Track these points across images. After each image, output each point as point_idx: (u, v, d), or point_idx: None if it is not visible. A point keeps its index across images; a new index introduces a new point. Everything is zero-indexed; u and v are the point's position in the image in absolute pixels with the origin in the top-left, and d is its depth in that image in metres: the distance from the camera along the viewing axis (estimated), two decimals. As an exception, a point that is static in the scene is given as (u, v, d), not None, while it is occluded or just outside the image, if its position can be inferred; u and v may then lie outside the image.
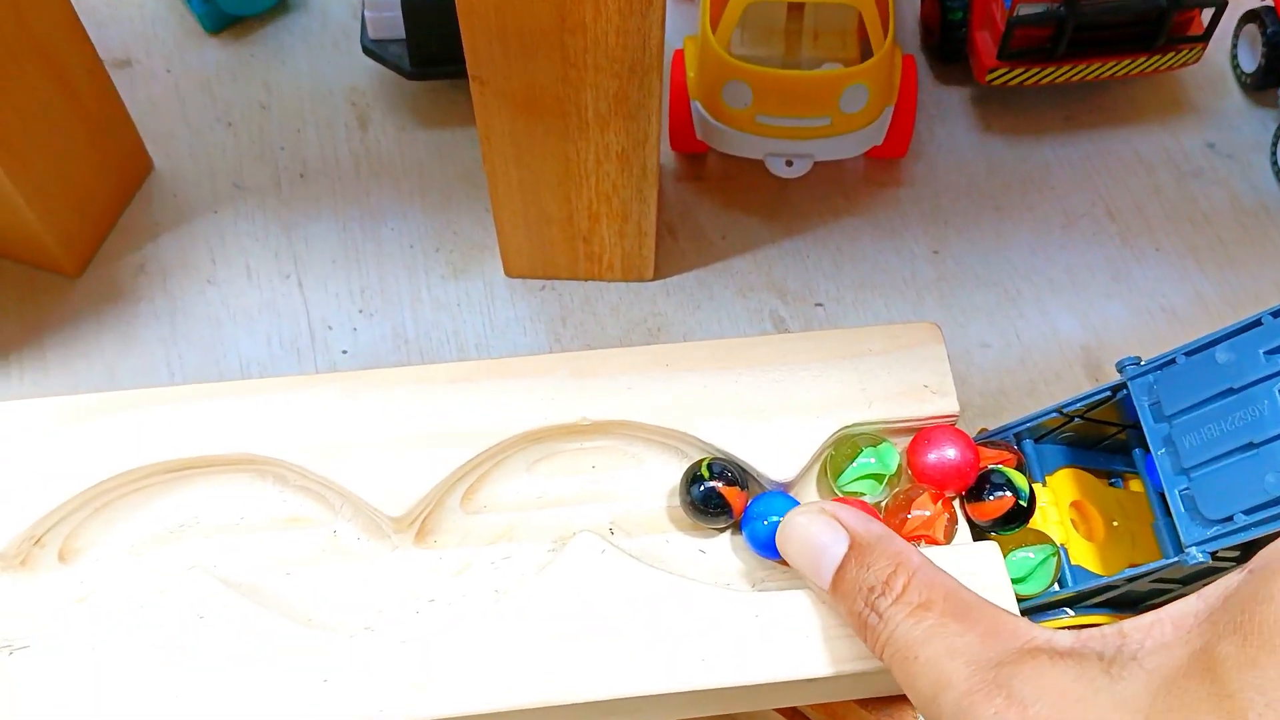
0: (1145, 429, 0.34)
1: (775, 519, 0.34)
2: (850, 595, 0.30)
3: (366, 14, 0.56)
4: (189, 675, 0.32)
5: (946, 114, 0.59)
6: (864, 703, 0.36)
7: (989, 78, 0.55)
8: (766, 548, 0.34)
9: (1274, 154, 0.56)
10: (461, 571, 0.35)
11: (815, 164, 0.53)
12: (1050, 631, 0.28)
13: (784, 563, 0.33)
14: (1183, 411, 0.33)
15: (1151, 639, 0.27)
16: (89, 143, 0.52)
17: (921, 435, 0.36)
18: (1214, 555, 0.32)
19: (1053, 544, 0.36)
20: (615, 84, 0.41)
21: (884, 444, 0.37)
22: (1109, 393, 0.36)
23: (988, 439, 0.39)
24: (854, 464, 0.36)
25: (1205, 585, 0.27)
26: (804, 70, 0.51)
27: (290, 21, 0.64)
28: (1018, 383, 0.51)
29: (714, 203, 0.57)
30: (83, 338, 0.52)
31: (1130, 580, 0.35)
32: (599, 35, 0.39)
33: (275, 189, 0.57)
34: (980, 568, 0.34)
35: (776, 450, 0.36)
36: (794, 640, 0.33)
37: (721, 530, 0.36)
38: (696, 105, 0.53)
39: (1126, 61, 0.54)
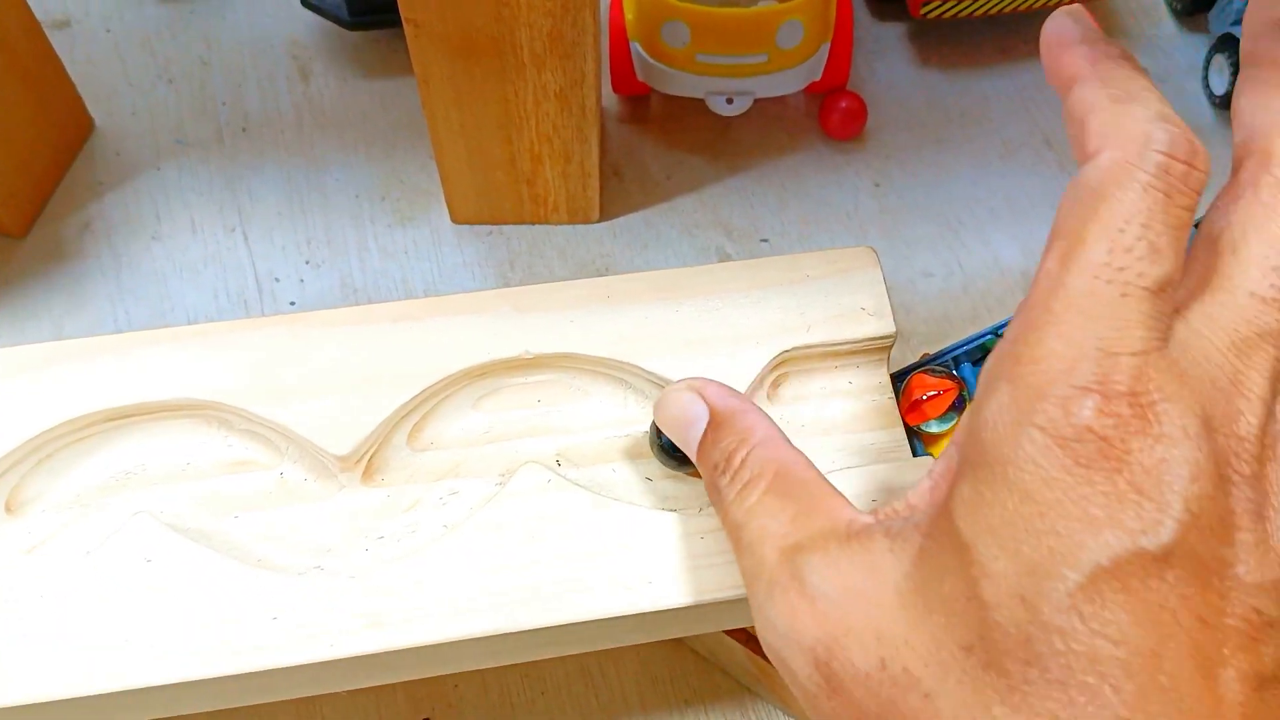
0: None
1: None
2: (705, 469, 0.30)
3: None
4: (138, 620, 0.32)
5: (885, 50, 0.60)
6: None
7: (924, 10, 0.55)
8: None
9: (1205, 77, 0.57)
10: (410, 508, 0.36)
11: (758, 102, 0.54)
12: (855, 512, 0.27)
13: None
14: None
15: (925, 502, 0.25)
16: (29, 104, 0.52)
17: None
18: None
19: None
20: (549, 22, 0.42)
21: None
22: None
23: (928, 365, 0.40)
24: None
25: None
26: (740, 8, 0.51)
27: (229, -25, 0.63)
28: (961, 310, 0.52)
29: (658, 143, 0.57)
30: (30, 297, 0.52)
31: None
32: (529, -28, 0.39)
33: (218, 143, 0.57)
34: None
35: (717, 369, 0.36)
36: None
37: (693, 474, 0.36)
38: (636, 46, 0.53)
39: (1060, -11, 0.55)
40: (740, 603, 0.33)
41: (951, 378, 0.38)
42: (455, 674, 0.44)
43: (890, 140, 0.57)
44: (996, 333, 0.38)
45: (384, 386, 0.36)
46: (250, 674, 0.32)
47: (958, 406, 0.37)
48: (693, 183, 0.56)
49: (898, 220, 0.55)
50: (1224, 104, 0.56)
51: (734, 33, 0.51)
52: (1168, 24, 0.60)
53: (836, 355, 0.38)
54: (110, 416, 0.36)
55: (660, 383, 0.37)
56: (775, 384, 0.38)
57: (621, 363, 0.37)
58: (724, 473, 0.29)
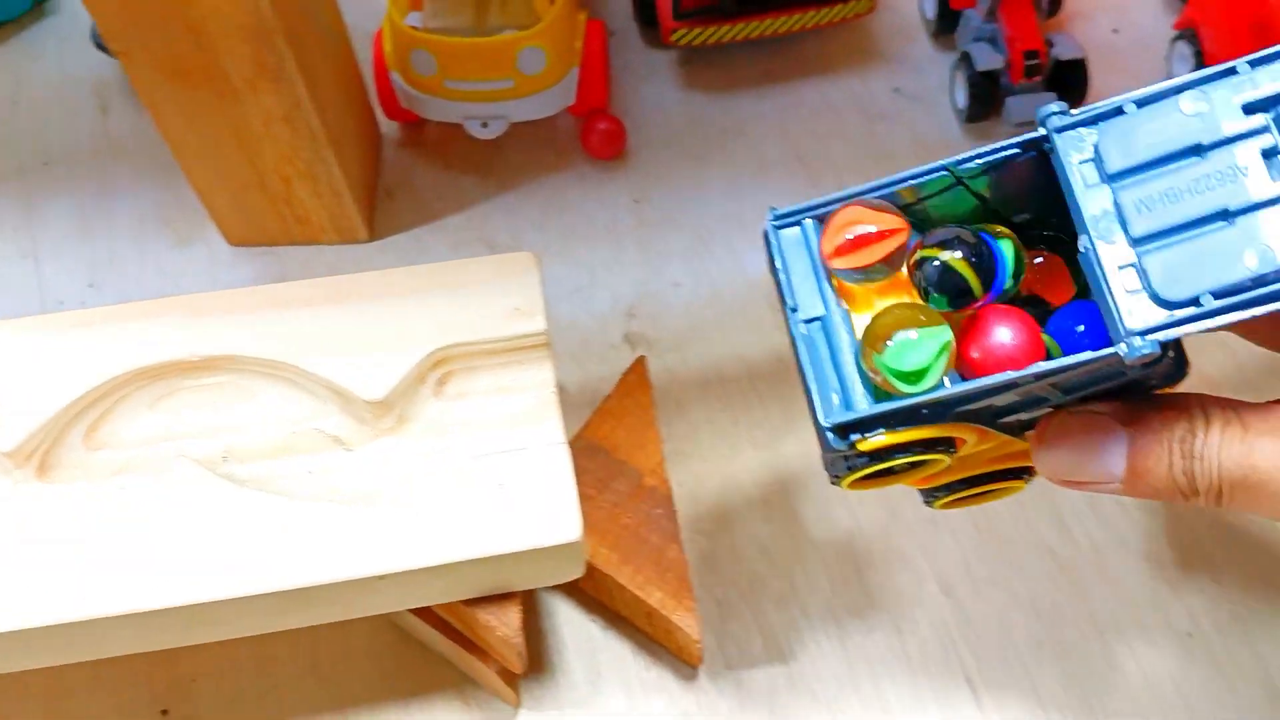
0: (1073, 193, 0.27)
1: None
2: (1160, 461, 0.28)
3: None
4: None
5: (653, 75, 0.63)
6: (471, 603, 0.40)
7: (673, 38, 0.59)
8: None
9: (951, 91, 0.60)
10: (87, 505, 0.38)
11: (526, 125, 0.57)
12: None
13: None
14: (1134, 169, 0.26)
15: None
16: None
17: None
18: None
19: (945, 324, 0.28)
20: (248, 49, 0.45)
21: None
22: (1017, 149, 0.28)
23: (860, 196, 0.29)
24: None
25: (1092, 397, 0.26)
26: (483, 36, 0.54)
27: (45, 24, 0.67)
28: (706, 318, 0.55)
29: (432, 166, 0.60)
30: None
31: (1038, 378, 0.27)
32: (213, 4, 0.43)
33: (19, 176, 0.60)
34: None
35: (372, 371, 0.39)
36: (386, 538, 0.36)
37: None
38: (395, 76, 0.56)
39: (799, 15, 0.58)
40: (376, 581, 0.36)
41: (898, 214, 0.29)
42: (193, 669, 0.47)
43: (651, 159, 0.60)
44: (951, 170, 0.29)
45: (55, 384, 0.38)
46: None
47: (895, 263, 0.28)
48: (462, 202, 0.59)
49: (654, 234, 0.57)
50: (969, 118, 0.59)
51: (475, 60, 0.54)
52: (923, 43, 0.63)
53: (495, 353, 0.41)
54: None
55: (326, 384, 0.40)
56: (441, 381, 0.41)
57: (286, 364, 0.40)
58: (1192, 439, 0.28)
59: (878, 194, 0.29)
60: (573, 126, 0.61)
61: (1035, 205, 0.29)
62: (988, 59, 0.57)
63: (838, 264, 0.29)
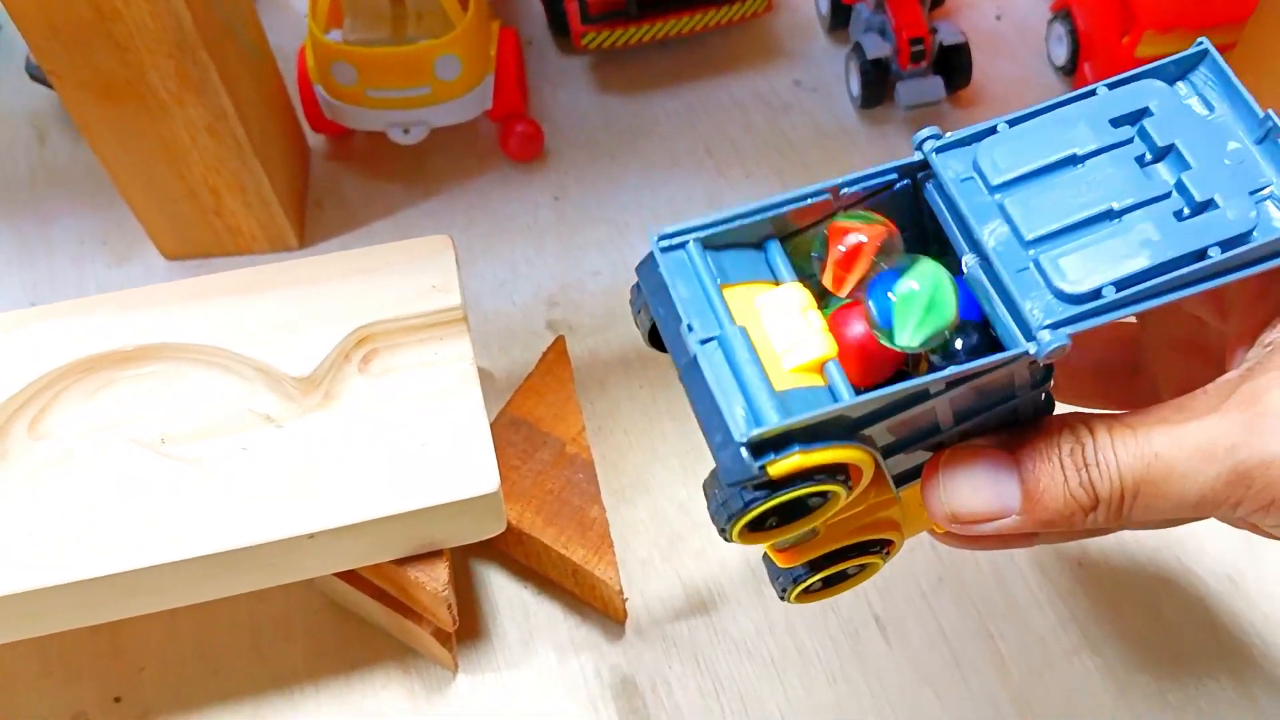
0: (957, 208, 0.28)
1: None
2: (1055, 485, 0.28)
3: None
4: None
5: (568, 80, 0.66)
6: (401, 563, 0.42)
7: (583, 41, 0.62)
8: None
9: (847, 80, 0.63)
10: (33, 490, 0.40)
11: (449, 131, 0.60)
12: None
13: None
14: (1017, 181, 0.27)
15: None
16: None
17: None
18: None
19: (932, 259, 0.27)
20: (171, 63, 0.47)
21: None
22: (893, 174, 0.29)
23: (742, 216, 0.28)
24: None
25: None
26: (399, 45, 0.57)
27: (-19, 58, 0.69)
28: (624, 302, 0.57)
29: (359, 176, 0.63)
30: None
31: (950, 383, 0.27)
32: (137, 20, 0.45)
33: (-41, 206, 0.62)
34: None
35: (297, 346, 0.42)
36: (315, 500, 0.39)
37: None
38: (318, 89, 0.59)
39: (700, 15, 0.62)
40: (306, 541, 0.38)
41: (875, 220, 0.28)
42: (140, 659, 0.49)
43: (569, 158, 0.63)
44: (836, 191, 0.29)
45: (-6, 382, 0.41)
46: None
47: (886, 266, 0.27)
48: (389, 208, 0.61)
49: (573, 228, 0.60)
50: (863, 104, 0.62)
51: (393, 68, 0.57)
52: (821, 39, 0.67)
53: (415, 329, 0.43)
54: None
55: (254, 365, 0.42)
56: (366, 359, 0.43)
57: (215, 348, 0.42)
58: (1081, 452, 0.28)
59: (759, 216, 0.28)
60: (492, 131, 0.64)
61: (908, 243, 0.29)
62: (877, 47, 0.60)
63: (835, 286, 0.28)
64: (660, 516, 0.50)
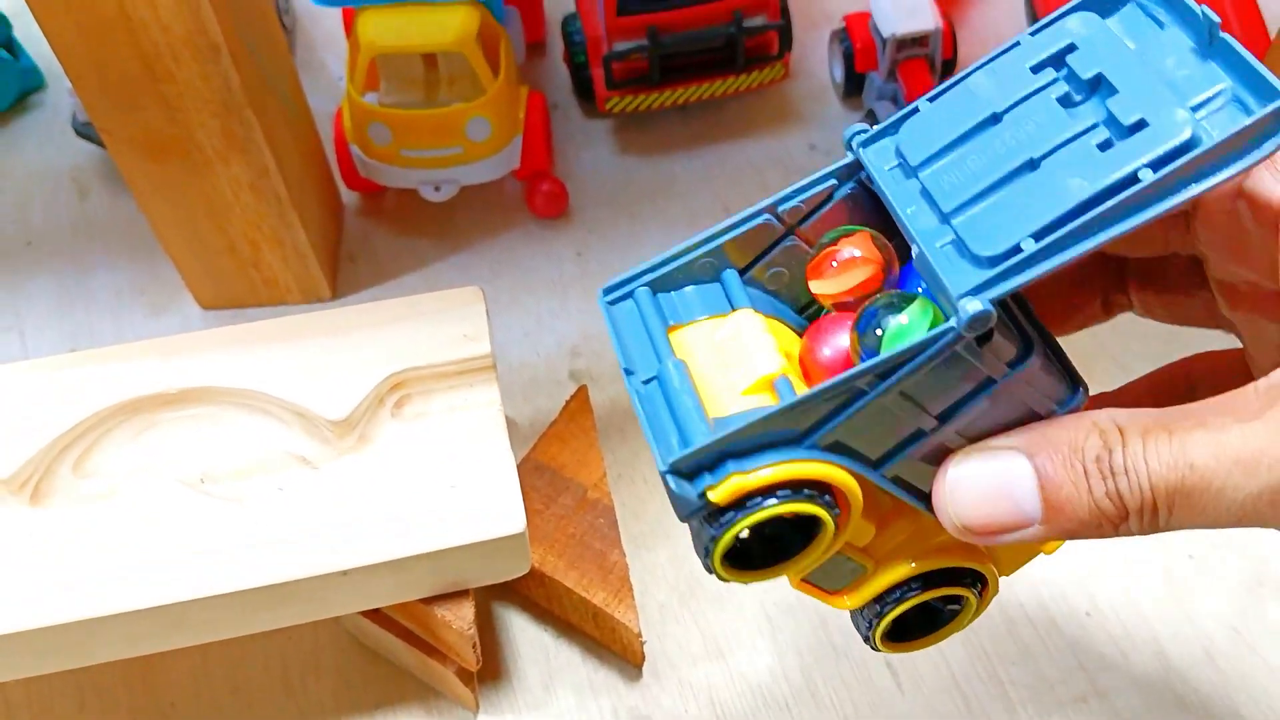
0: (887, 195, 0.27)
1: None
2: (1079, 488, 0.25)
3: (71, 99, 0.64)
4: None
5: (592, 142, 0.69)
6: (427, 602, 0.43)
7: (607, 105, 0.64)
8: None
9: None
10: (77, 526, 0.42)
11: (476, 189, 0.62)
12: None
13: None
14: (935, 155, 0.26)
15: None
16: None
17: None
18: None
19: (915, 295, 0.26)
20: (217, 122, 0.50)
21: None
22: (833, 180, 0.29)
23: (683, 255, 0.29)
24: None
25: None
26: (436, 107, 0.60)
27: (28, 117, 0.73)
28: (645, 356, 0.59)
29: (391, 231, 0.65)
30: None
31: (871, 376, 0.25)
32: (187, 81, 0.48)
33: (3, 257, 0.65)
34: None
35: (333, 391, 0.43)
36: (347, 538, 0.41)
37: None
38: (354, 148, 0.61)
39: (719, 82, 0.64)
40: (339, 578, 0.40)
41: (883, 248, 0.27)
42: (172, 695, 0.50)
43: (591, 216, 0.65)
44: (774, 212, 0.29)
45: (43, 420, 0.43)
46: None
47: (884, 301, 0.26)
48: (419, 262, 0.64)
49: (595, 282, 0.62)
50: (877, 168, 0.64)
51: (427, 129, 0.59)
52: (835, 104, 0.69)
53: (446, 375, 0.45)
54: None
55: (292, 409, 0.44)
56: (399, 404, 0.45)
57: (255, 392, 0.44)
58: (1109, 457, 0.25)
59: (698, 251, 0.29)
60: (519, 189, 0.66)
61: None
62: (890, 115, 0.63)
63: (817, 287, 0.28)
64: (678, 562, 0.51)
